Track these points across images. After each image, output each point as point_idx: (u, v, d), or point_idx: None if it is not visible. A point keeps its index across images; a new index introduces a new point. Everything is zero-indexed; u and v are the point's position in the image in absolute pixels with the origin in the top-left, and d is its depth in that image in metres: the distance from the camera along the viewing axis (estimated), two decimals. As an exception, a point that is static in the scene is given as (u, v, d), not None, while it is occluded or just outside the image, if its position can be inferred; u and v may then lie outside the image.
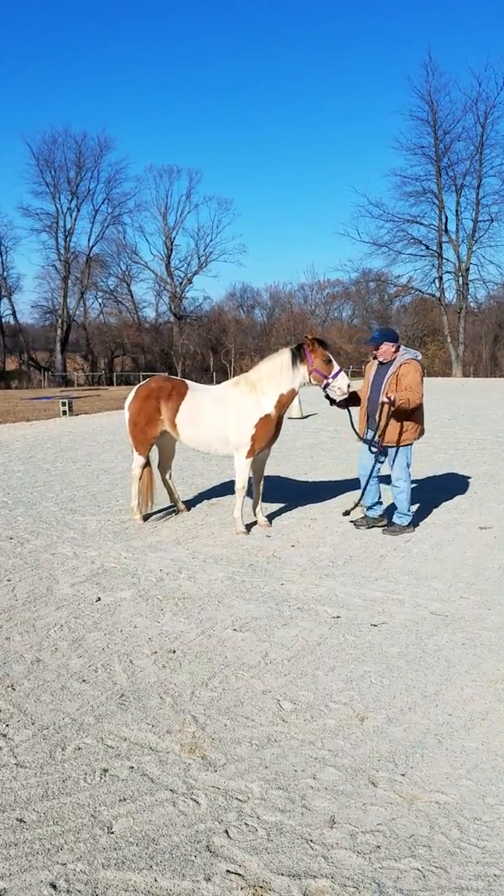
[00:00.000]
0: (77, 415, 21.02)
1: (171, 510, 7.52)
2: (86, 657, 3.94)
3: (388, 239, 61.11)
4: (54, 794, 2.71)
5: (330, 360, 6.38)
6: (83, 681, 3.66)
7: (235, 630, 4.31)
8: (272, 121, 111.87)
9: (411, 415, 6.30)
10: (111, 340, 69.90)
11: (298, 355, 6.49)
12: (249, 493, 7.05)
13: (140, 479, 7.01)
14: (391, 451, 6.45)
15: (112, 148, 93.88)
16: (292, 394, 6.58)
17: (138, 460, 6.96)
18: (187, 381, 6.96)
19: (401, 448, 6.41)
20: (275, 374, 6.52)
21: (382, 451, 6.45)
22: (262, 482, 7.06)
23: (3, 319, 66.64)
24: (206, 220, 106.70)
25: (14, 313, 67.90)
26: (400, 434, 6.34)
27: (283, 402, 6.57)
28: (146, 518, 7.15)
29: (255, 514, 6.99)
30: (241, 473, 6.68)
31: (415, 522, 6.73)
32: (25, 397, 33.11)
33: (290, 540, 6.39)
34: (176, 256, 73.46)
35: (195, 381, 7.27)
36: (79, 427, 17.25)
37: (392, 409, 6.14)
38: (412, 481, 7.01)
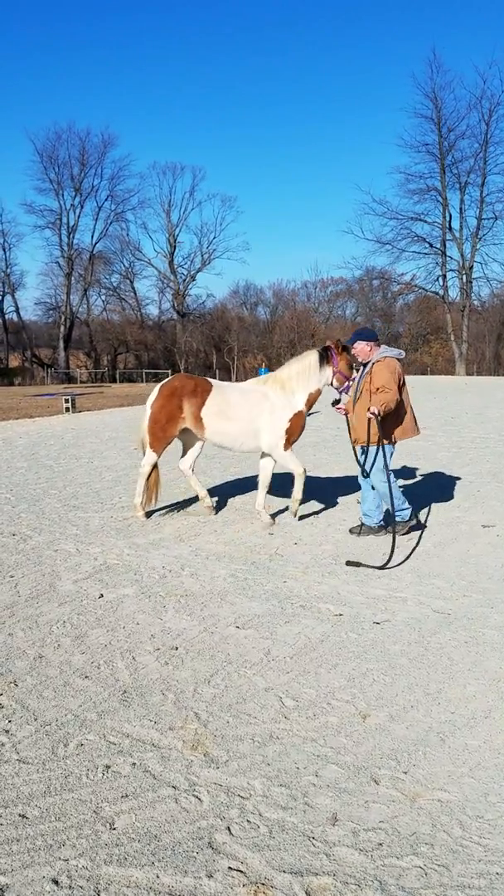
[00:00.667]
0: (80, 412, 21.04)
1: (173, 507, 7.52)
2: (88, 654, 3.95)
3: (391, 237, 61.11)
4: (56, 790, 2.71)
5: (352, 366, 6.75)
6: (85, 677, 3.66)
7: (238, 627, 4.31)
8: (276, 118, 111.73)
9: (386, 415, 6.12)
10: (114, 338, 70.02)
11: (325, 357, 6.77)
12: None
13: (149, 476, 7.00)
14: (370, 452, 6.25)
15: (116, 145, 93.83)
16: (318, 393, 6.88)
17: (151, 457, 6.93)
18: (210, 379, 7.06)
19: (376, 448, 6.21)
20: (304, 373, 6.80)
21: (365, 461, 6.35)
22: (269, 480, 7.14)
23: (7, 316, 66.81)
24: (209, 218, 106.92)
25: (17, 310, 68.09)
26: (368, 434, 6.18)
27: (311, 401, 6.88)
28: (149, 515, 7.15)
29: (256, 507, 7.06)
30: (292, 462, 6.82)
31: (416, 515, 6.60)
32: (29, 394, 33.16)
33: (293, 538, 6.39)
34: (179, 254, 73.44)
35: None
36: (82, 424, 17.27)
37: (379, 418, 6.02)
38: (412, 481, 6.98)
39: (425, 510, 7.38)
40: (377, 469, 6.21)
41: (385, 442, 6.11)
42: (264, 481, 7.07)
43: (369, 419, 6.03)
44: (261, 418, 6.70)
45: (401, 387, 6.16)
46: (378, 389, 6.08)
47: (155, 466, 7.00)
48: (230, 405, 6.71)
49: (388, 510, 6.80)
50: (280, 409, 6.71)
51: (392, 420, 6.20)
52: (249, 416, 6.69)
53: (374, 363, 6.26)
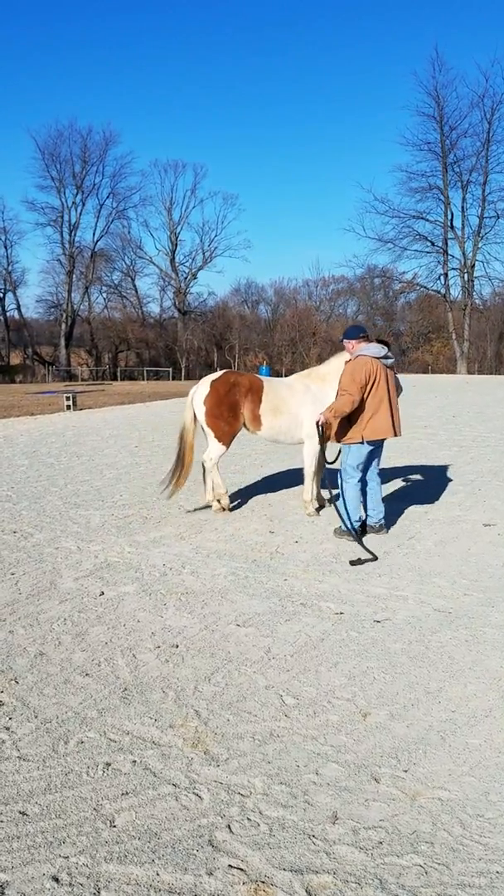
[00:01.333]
0: (81, 409, 21.04)
1: (174, 505, 7.53)
2: (89, 651, 3.95)
3: (393, 235, 60.99)
4: (57, 787, 2.71)
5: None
6: (86, 675, 3.66)
7: (238, 625, 4.31)
8: (277, 116, 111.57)
9: (351, 414, 6.16)
10: (115, 335, 69.99)
11: None
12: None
13: (186, 459, 7.12)
14: (343, 449, 6.37)
15: (117, 142, 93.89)
16: None
17: (219, 450, 7.07)
18: (257, 376, 7.29)
19: (344, 447, 6.32)
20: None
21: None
22: (322, 471, 7.29)
23: (8, 314, 66.80)
24: (210, 216, 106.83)
25: (18, 308, 68.05)
26: (340, 433, 6.31)
27: None
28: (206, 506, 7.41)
29: (317, 501, 7.39)
30: (311, 459, 7.07)
31: (355, 529, 6.16)
32: (30, 392, 33.17)
33: (294, 536, 6.38)
34: (181, 251, 73.36)
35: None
36: (83, 422, 17.27)
37: (320, 424, 6.39)
38: (414, 479, 6.96)
39: (427, 508, 7.38)
40: (342, 468, 6.32)
41: (351, 441, 6.20)
42: (313, 472, 7.18)
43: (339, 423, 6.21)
44: (303, 409, 6.96)
45: (372, 386, 6.05)
46: (339, 393, 6.16)
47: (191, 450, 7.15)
48: (283, 401, 7.01)
49: (385, 508, 6.81)
50: (321, 402, 6.86)
51: (358, 420, 6.16)
52: (296, 410, 6.99)
53: (346, 362, 6.35)
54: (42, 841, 2.42)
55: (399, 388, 6.48)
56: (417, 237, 60.66)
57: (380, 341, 6.39)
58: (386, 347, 6.30)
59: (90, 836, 2.44)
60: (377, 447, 6.35)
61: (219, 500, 7.28)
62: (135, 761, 2.89)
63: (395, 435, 6.23)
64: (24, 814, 2.56)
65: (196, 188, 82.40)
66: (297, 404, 6.99)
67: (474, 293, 60.86)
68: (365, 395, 6.07)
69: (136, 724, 3.18)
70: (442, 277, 60.83)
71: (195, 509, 7.38)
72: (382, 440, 6.28)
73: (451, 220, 59.81)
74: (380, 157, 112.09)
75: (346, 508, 6.22)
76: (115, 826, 2.49)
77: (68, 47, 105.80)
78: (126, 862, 2.32)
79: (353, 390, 5.99)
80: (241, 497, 8.02)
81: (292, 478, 9.01)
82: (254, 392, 7.01)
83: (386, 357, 6.21)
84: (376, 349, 6.21)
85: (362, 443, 6.16)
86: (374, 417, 6.11)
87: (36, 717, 3.25)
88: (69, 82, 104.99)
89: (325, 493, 7.68)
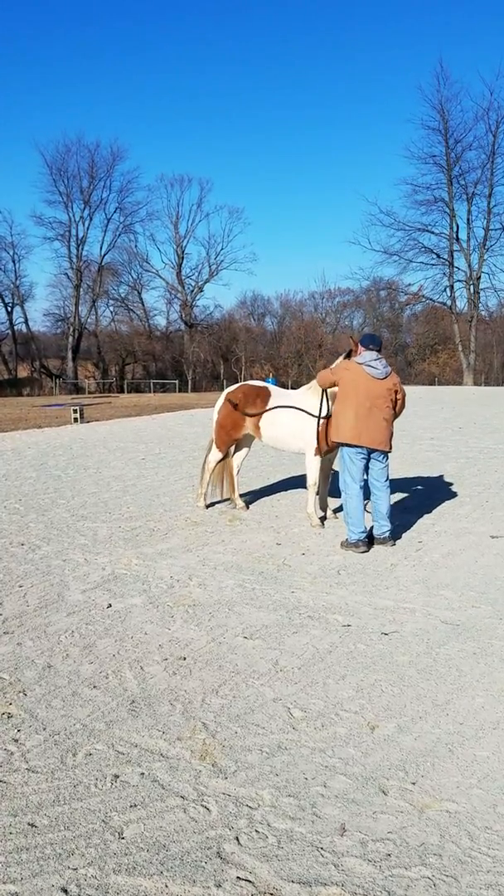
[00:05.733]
0: (88, 422, 21.12)
1: (180, 517, 7.55)
2: (97, 663, 3.96)
3: (399, 247, 61.17)
4: (65, 799, 2.72)
5: None
6: (94, 687, 3.67)
7: (246, 638, 4.31)
8: (283, 129, 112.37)
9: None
10: (122, 348, 70.34)
11: (349, 358, 6.93)
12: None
13: (213, 471, 7.89)
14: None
15: (124, 157, 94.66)
16: None
17: (216, 455, 7.79)
18: (270, 388, 7.65)
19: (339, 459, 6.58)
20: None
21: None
22: (328, 481, 7.66)
23: (16, 327, 67.22)
24: (217, 229, 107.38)
25: (26, 321, 68.55)
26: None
27: None
28: (208, 506, 8.03)
29: (321, 510, 7.59)
30: (312, 471, 7.17)
31: (361, 541, 6.24)
32: (37, 404, 33.30)
33: (301, 548, 6.39)
34: (187, 265, 73.93)
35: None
36: (90, 434, 17.33)
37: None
38: (421, 491, 6.96)
39: (434, 520, 7.37)
40: (340, 479, 6.48)
41: (329, 449, 6.69)
42: (315, 484, 7.29)
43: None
44: (299, 421, 7.15)
45: (344, 391, 6.27)
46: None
47: (221, 462, 7.87)
48: (281, 413, 7.28)
49: (389, 525, 6.81)
50: (314, 413, 7.06)
51: (332, 421, 6.48)
52: (292, 422, 7.20)
53: None
54: (51, 853, 2.42)
55: (395, 408, 6.42)
56: (423, 249, 60.86)
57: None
58: (378, 356, 6.33)
59: (99, 847, 2.45)
60: (376, 458, 6.34)
61: (203, 496, 8.01)
62: (143, 773, 2.89)
63: (362, 445, 6.17)
64: (32, 825, 2.57)
65: (202, 202, 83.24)
66: (294, 418, 7.18)
67: (480, 305, 60.92)
68: (338, 397, 6.43)
69: (143, 737, 3.18)
70: (448, 289, 60.94)
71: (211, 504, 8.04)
72: (376, 451, 6.28)
73: (457, 232, 60.02)
74: (385, 170, 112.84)
75: (347, 520, 6.29)
76: (123, 838, 2.50)
77: (76, 63, 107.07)
78: (134, 874, 2.33)
79: (327, 372, 6.69)
80: (248, 509, 8.02)
81: (299, 490, 9.02)
82: (260, 401, 7.40)
83: (369, 364, 6.22)
84: (364, 356, 6.35)
85: (339, 449, 6.40)
86: (337, 419, 6.34)
87: (44, 729, 3.26)
88: (77, 98, 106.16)
89: (332, 506, 7.75)
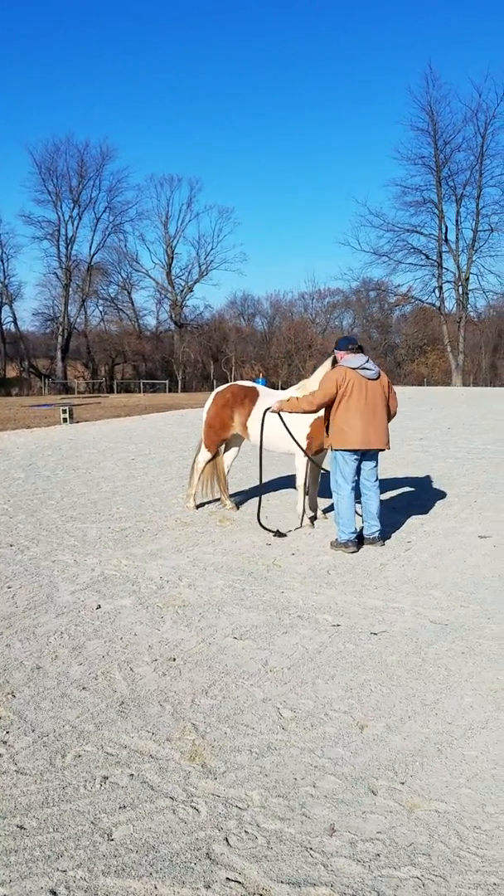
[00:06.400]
0: (77, 422, 21.06)
1: (170, 517, 7.54)
2: (86, 665, 3.95)
3: (388, 248, 61.53)
4: (54, 801, 2.71)
5: None
6: (83, 688, 3.66)
7: (235, 638, 4.31)
8: (273, 130, 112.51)
9: (326, 424, 6.42)
10: (112, 348, 70.18)
11: (336, 361, 6.93)
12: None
13: (202, 471, 7.91)
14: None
15: (114, 157, 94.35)
16: None
17: (205, 455, 7.82)
18: (258, 388, 7.67)
19: (330, 459, 6.47)
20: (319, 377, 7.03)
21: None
22: (318, 481, 7.59)
23: (5, 327, 66.98)
24: (206, 229, 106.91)
25: (15, 321, 68.26)
26: (318, 442, 6.87)
27: None
28: (198, 507, 8.07)
29: (310, 510, 7.52)
30: (301, 472, 7.20)
31: (351, 541, 6.25)
32: (26, 404, 33.18)
33: (291, 548, 6.39)
34: (177, 265, 73.79)
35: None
36: (79, 435, 17.28)
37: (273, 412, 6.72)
38: (410, 491, 6.98)
39: (423, 520, 7.40)
40: (331, 479, 6.44)
41: (323, 449, 6.58)
42: (304, 485, 7.30)
43: (326, 425, 6.43)
44: (288, 425, 7.04)
45: (343, 396, 6.13)
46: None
47: (211, 462, 7.89)
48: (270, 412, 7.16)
49: (383, 525, 6.83)
50: (301, 415, 6.93)
51: (329, 429, 6.34)
52: (279, 423, 7.07)
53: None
54: (40, 854, 2.41)
55: (391, 407, 6.45)
56: (412, 250, 61.20)
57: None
58: (365, 357, 6.30)
59: (88, 849, 2.44)
60: (368, 459, 6.35)
61: (193, 497, 8.04)
62: (132, 775, 2.89)
63: (370, 448, 6.18)
64: (21, 827, 2.56)
65: (192, 202, 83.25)
66: (285, 415, 7.07)
67: (469, 306, 61.24)
68: (336, 404, 6.21)
69: (133, 738, 3.18)
70: (437, 290, 61.30)
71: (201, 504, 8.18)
72: (370, 452, 6.29)
73: (446, 233, 60.36)
74: (374, 172, 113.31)
75: (338, 520, 6.27)
76: (112, 839, 2.49)
77: (66, 63, 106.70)
78: (124, 875, 2.32)
79: (317, 394, 6.24)
80: (237, 510, 8.03)
81: (289, 490, 9.03)
82: (248, 405, 7.41)
83: (363, 368, 6.19)
84: (354, 360, 6.25)
85: (332, 450, 6.30)
86: (344, 427, 6.16)
87: (33, 730, 3.24)
88: (67, 98, 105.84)
89: (321, 507, 7.77)
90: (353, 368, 6.18)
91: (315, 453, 7.22)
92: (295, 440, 6.84)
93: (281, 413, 6.72)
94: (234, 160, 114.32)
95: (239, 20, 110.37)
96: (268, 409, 6.83)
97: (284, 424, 6.86)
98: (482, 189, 58.48)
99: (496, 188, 63.30)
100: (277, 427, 7.11)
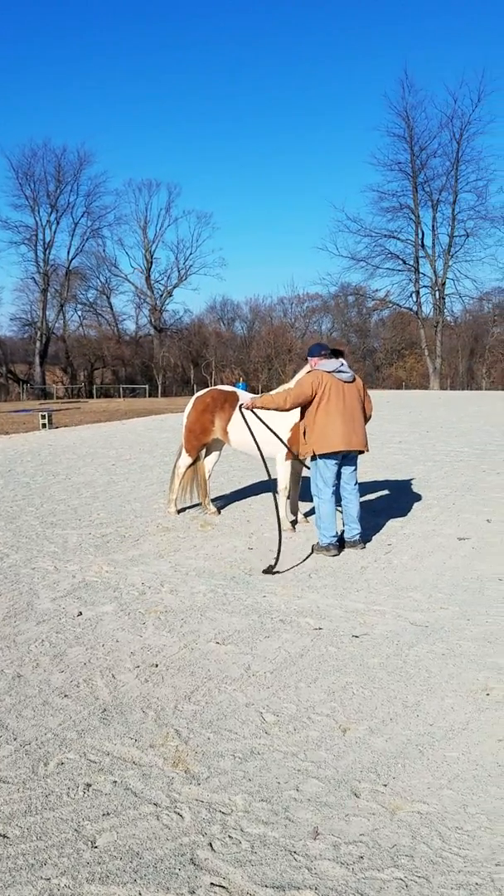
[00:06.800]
0: (57, 428, 20.92)
1: (151, 523, 7.52)
2: (67, 672, 3.93)
3: (365, 253, 61.75)
4: (37, 809, 2.70)
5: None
6: (65, 696, 3.65)
7: (218, 643, 4.32)
8: (250, 135, 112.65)
9: (305, 429, 6.39)
10: (91, 353, 69.76)
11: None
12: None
13: (183, 476, 7.91)
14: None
15: (92, 162, 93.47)
16: None
17: (186, 460, 7.80)
18: (239, 392, 7.68)
19: (311, 463, 6.43)
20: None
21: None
22: (298, 485, 7.58)
23: (-19, 332, 66.16)
24: (185, 234, 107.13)
25: (-8, 326, 67.45)
26: (297, 447, 6.75)
27: None
28: (179, 512, 8.06)
29: (292, 514, 7.57)
30: (282, 476, 7.29)
31: (333, 544, 6.29)
32: (4, 410, 32.90)
33: (273, 552, 6.39)
34: (156, 269, 73.90)
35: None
36: (59, 440, 17.17)
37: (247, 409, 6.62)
38: (389, 494, 7.02)
39: (402, 523, 7.45)
40: (311, 483, 6.44)
41: (305, 455, 6.45)
42: (285, 489, 7.34)
43: (303, 431, 6.42)
44: (271, 426, 7.04)
45: (321, 400, 6.17)
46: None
47: (191, 467, 7.88)
48: (250, 416, 7.07)
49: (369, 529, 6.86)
50: (281, 418, 7.03)
51: (309, 434, 6.31)
52: (261, 427, 7.04)
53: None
54: (23, 863, 2.40)
55: (366, 409, 6.51)
56: (389, 256, 61.51)
57: (334, 352, 6.55)
58: (340, 361, 6.37)
59: (71, 857, 2.43)
60: (347, 462, 6.39)
61: (174, 502, 8.02)
62: (115, 782, 2.88)
63: (352, 449, 6.20)
64: (4, 836, 2.54)
65: (170, 207, 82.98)
66: (265, 421, 7.05)
67: (446, 310, 61.72)
68: (314, 409, 6.24)
69: (116, 745, 3.17)
70: (414, 295, 61.66)
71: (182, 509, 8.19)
72: (350, 455, 6.33)
73: (422, 238, 60.77)
74: (351, 177, 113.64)
75: (319, 524, 6.29)
76: (96, 847, 2.48)
77: (41, 67, 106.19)
78: (108, 882, 2.32)
79: (292, 392, 6.27)
80: (219, 514, 8.03)
81: (270, 494, 9.04)
82: (227, 409, 7.45)
83: (339, 371, 6.26)
84: (329, 364, 6.32)
85: (315, 457, 6.27)
86: (324, 431, 6.18)
87: (15, 739, 3.23)
88: (43, 102, 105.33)
89: (301, 511, 7.79)
90: (329, 372, 6.25)
91: (296, 457, 7.22)
92: (280, 439, 6.84)
93: (256, 413, 6.66)
94: (213, 165, 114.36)
95: (214, 25, 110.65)
96: (240, 405, 6.80)
97: (268, 427, 6.84)
98: (458, 194, 58.98)
99: (471, 194, 63.77)
100: (260, 432, 7.10)
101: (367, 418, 6.51)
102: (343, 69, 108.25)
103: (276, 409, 6.41)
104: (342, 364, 6.34)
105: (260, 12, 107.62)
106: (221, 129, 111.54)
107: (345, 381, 6.26)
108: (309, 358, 6.61)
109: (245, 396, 7.58)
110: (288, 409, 6.40)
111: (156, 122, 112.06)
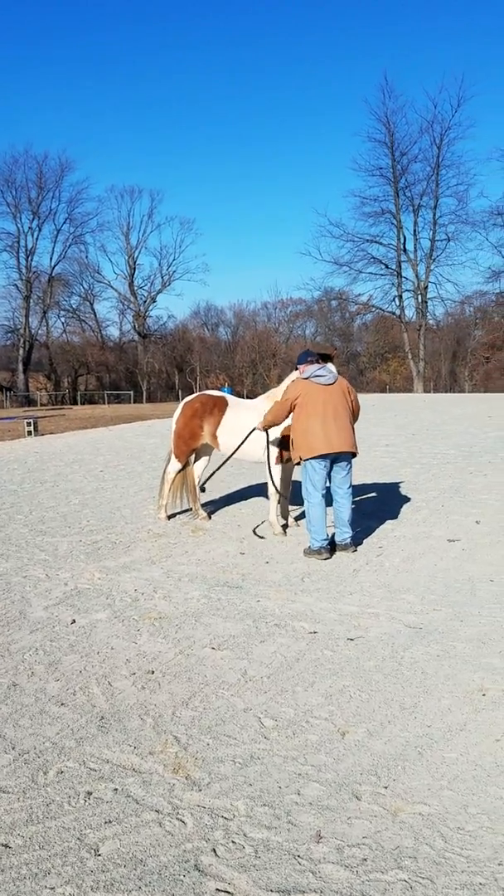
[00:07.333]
0: (43, 435, 20.81)
1: (143, 529, 7.51)
2: (63, 680, 3.91)
3: (348, 258, 62.16)
4: (39, 818, 2.68)
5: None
6: (62, 704, 3.63)
7: (213, 648, 4.31)
8: (233, 141, 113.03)
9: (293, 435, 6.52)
10: (75, 359, 69.59)
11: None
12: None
13: (172, 482, 7.88)
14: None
15: (73, 168, 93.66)
16: None
17: (175, 465, 7.79)
18: (227, 397, 7.76)
19: (300, 468, 6.55)
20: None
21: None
22: (289, 488, 7.67)
23: (-36, 339, 65.79)
24: (168, 240, 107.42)
25: (-26, 333, 67.04)
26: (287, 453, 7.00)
27: None
28: (170, 517, 8.05)
29: (282, 518, 7.57)
30: (273, 480, 7.25)
31: (324, 548, 6.31)
32: (-12, 418, 32.67)
33: (265, 556, 6.41)
34: (139, 275, 73.71)
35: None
36: (45, 447, 17.09)
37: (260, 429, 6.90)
38: (379, 497, 7.06)
39: (393, 525, 7.49)
40: (302, 487, 6.51)
41: (294, 461, 6.60)
42: (276, 493, 7.36)
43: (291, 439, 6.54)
44: (257, 433, 7.14)
45: (300, 406, 6.31)
46: None
47: (181, 472, 7.87)
48: (238, 422, 7.32)
49: (355, 525, 6.89)
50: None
51: (294, 440, 6.43)
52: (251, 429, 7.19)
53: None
54: (27, 873, 2.39)
55: (353, 411, 6.56)
56: (372, 260, 61.98)
57: (322, 356, 6.65)
58: (320, 365, 6.47)
59: (75, 865, 2.42)
60: (338, 466, 6.41)
61: (164, 508, 8.00)
62: (116, 789, 2.87)
63: (335, 451, 6.21)
64: (6, 846, 2.52)
65: (153, 213, 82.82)
66: (253, 425, 7.16)
67: (428, 314, 62.19)
68: (295, 416, 6.39)
69: (115, 752, 3.16)
70: (397, 299, 62.18)
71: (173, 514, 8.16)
72: (341, 458, 6.35)
73: (404, 243, 61.25)
74: (334, 182, 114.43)
75: (309, 528, 6.33)
76: (99, 855, 2.47)
77: (21, 73, 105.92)
78: (113, 890, 2.31)
79: (273, 408, 6.63)
80: (210, 519, 8.02)
81: (260, 498, 9.06)
82: (216, 414, 7.48)
83: (316, 375, 6.36)
84: (308, 370, 6.47)
85: (301, 462, 6.36)
86: (304, 435, 6.28)
87: (13, 748, 3.20)
88: (23, 109, 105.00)
89: (293, 514, 7.81)
90: (306, 378, 6.39)
91: (286, 461, 7.28)
92: (267, 447, 6.90)
93: (266, 429, 6.88)
94: (195, 171, 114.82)
95: (196, 32, 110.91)
96: (253, 429, 7.01)
97: (267, 437, 6.98)
98: (439, 199, 59.56)
99: (452, 198, 64.29)
100: (239, 437, 7.23)
101: (354, 419, 6.56)
102: (325, 75, 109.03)
103: (277, 424, 6.73)
104: (321, 367, 6.41)
105: (238, 18, 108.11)
106: (204, 134, 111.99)
107: (324, 385, 6.30)
108: (298, 366, 6.72)
109: (234, 401, 7.63)
110: (283, 421, 6.70)
111: (138, 129, 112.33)
